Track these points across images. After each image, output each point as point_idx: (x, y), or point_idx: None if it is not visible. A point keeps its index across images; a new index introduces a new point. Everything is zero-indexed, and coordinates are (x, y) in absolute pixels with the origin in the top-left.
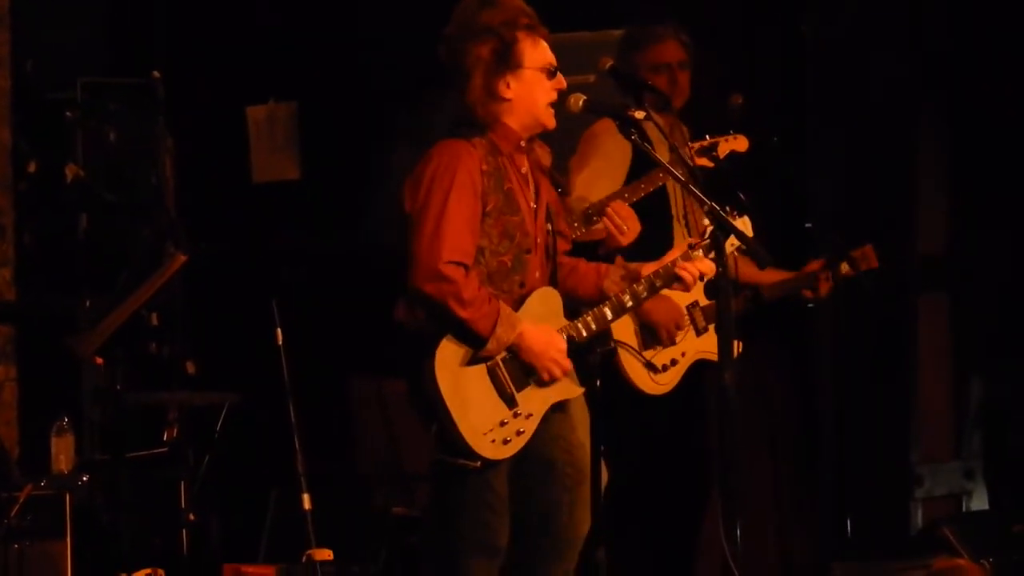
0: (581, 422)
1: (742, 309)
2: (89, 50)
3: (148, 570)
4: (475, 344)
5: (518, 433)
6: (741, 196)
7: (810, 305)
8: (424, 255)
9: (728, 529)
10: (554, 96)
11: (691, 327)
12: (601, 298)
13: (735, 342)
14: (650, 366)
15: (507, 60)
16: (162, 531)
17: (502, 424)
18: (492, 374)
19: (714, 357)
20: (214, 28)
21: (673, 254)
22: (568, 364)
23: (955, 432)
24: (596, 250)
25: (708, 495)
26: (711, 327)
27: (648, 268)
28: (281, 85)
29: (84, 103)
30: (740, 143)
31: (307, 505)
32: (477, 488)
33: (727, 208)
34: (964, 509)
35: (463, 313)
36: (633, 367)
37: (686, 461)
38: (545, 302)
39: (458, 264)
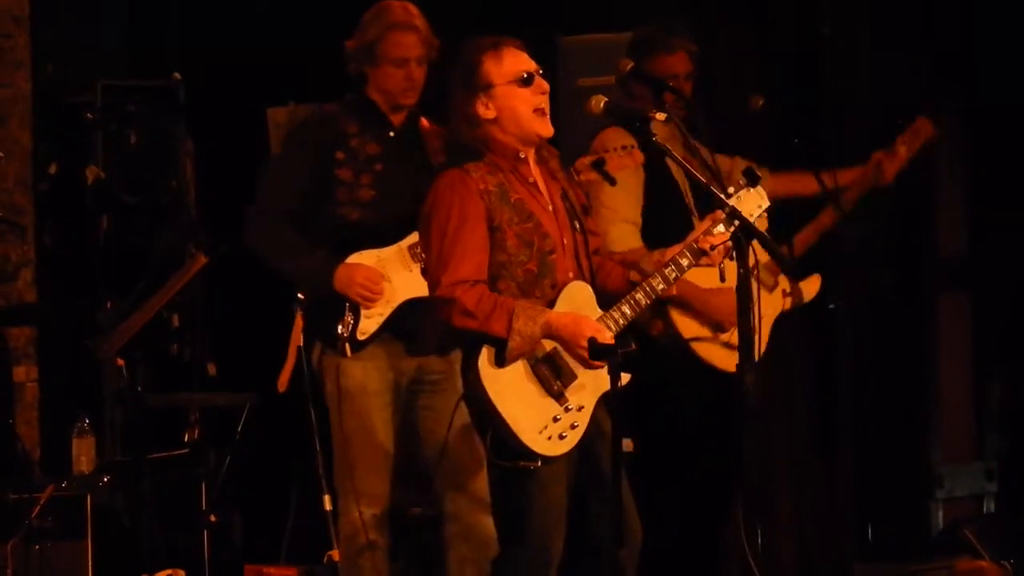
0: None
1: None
2: (109, 52)
3: (169, 571)
4: (500, 346)
5: (572, 427)
6: (752, 166)
7: (831, 306)
8: (432, 285)
9: (748, 531)
10: (537, 101)
11: (762, 289)
12: (630, 288)
13: (814, 278)
14: (729, 345)
15: (474, 83)
16: (183, 532)
17: (555, 420)
18: (536, 372)
19: (794, 305)
20: (234, 30)
21: (696, 232)
22: (609, 336)
23: (976, 433)
24: None
25: (730, 497)
26: (780, 279)
27: (670, 251)
28: (301, 87)
29: (104, 105)
30: (759, 196)
31: (328, 506)
32: (535, 493)
33: (741, 181)
34: (985, 510)
35: (472, 324)
36: (715, 354)
37: (707, 463)
38: (574, 296)
39: (457, 283)
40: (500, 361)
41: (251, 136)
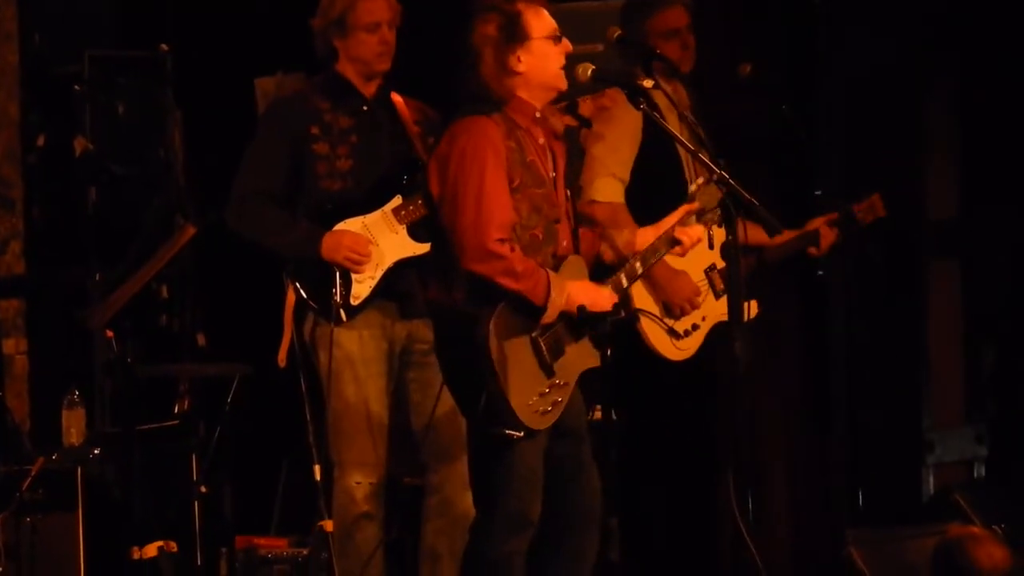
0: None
1: (750, 271)
2: (96, 23)
3: (160, 543)
4: (532, 314)
5: (555, 403)
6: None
7: (820, 272)
8: (470, 236)
9: (740, 498)
10: (563, 60)
11: (710, 291)
12: (599, 261)
13: (752, 303)
14: (672, 332)
15: (514, 34)
16: (174, 504)
17: (542, 395)
18: (535, 345)
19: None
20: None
21: (671, 219)
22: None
23: (966, 398)
24: None
25: (720, 464)
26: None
27: (645, 233)
28: (289, 57)
29: (92, 76)
30: None
31: (318, 476)
32: (515, 463)
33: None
34: (975, 475)
35: (518, 286)
36: (655, 334)
37: (698, 430)
38: (572, 271)
39: (504, 240)
40: (513, 331)
41: (239, 106)
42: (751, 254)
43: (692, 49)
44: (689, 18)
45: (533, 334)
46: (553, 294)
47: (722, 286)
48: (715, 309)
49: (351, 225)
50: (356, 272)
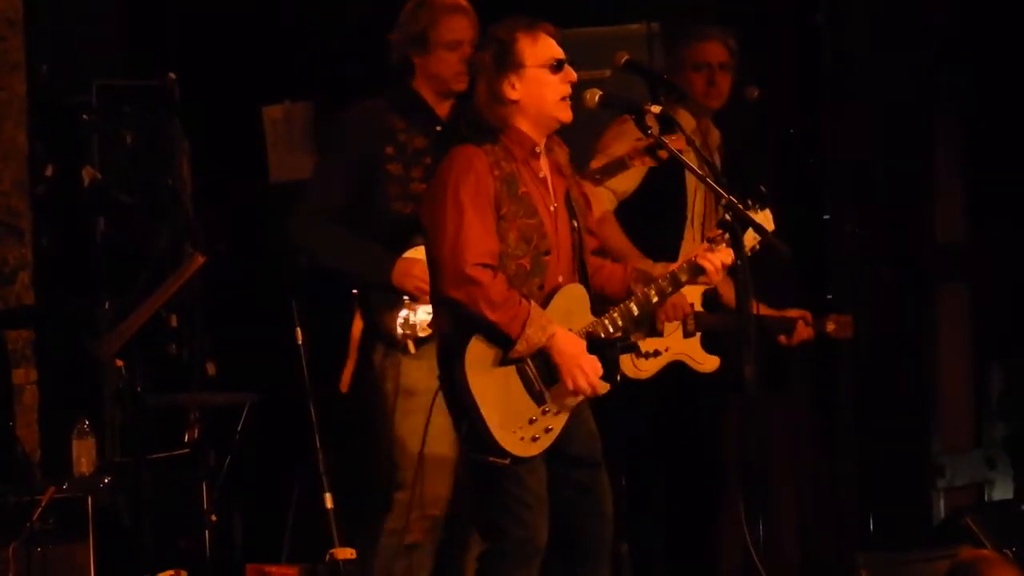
0: (587, 410)
1: (716, 326)
2: (103, 53)
3: (171, 572)
4: (504, 345)
5: (546, 431)
6: (763, 189)
7: (829, 297)
8: (448, 260)
9: (750, 522)
10: (565, 90)
11: (680, 328)
12: (628, 295)
13: (714, 358)
14: (644, 354)
15: (507, 62)
16: (184, 532)
17: (531, 422)
18: (522, 372)
19: (692, 363)
20: (228, 29)
21: (696, 250)
22: (595, 379)
23: (976, 421)
24: None
25: (730, 489)
26: (698, 335)
27: (658, 268)
28: (296, 85)
29: (100, 106)
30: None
31: (329, 504)
32: (511, 486)
33: (749, 202)
34: (986, 499)
35: (493, 316)
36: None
37: (708, 455)
38: (571, 298)
39: (484, 266)
40: (495, 360)
41: (247, 135)
42: (726, 314)
43: (720, 87)
44: (726, 58)
45: (520, 362)
46: (529, 330)
47: (693, 327)
48: (680, 345)
49: (421, 253)
50: (424, 302)
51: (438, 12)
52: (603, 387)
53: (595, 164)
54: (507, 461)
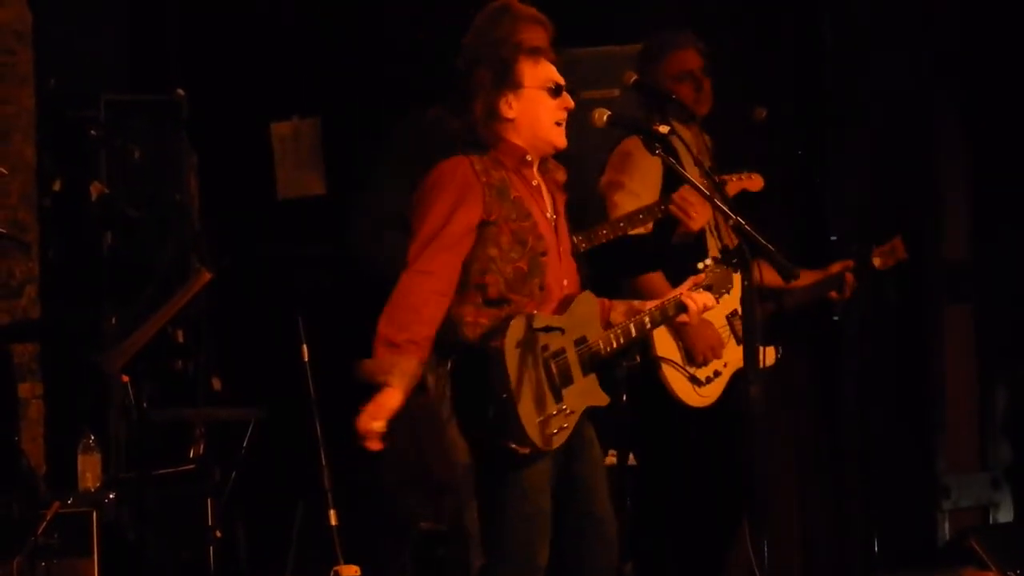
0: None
1: (769, 315)
2: (112, 68)
3: None
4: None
5: (561, 428)
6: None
7: (835, 317)
8: (412, 253)
9: (755, 543)
10: (560, 115)
11: (732, 337)
12: (608, 327)
13: (770, 349)
14: (694, 379)
15: (505, 80)
16: (189, 547)
17: (550, 417)
18: (547, 367)
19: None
20: (237, 44)
21: (683, 287)
22: None
23: (981, 443)
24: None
25: (737, 511)
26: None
27: (648, 305)
28: (305, 101)
29: (108, 120)
30: (754, 182)
31: (333, 521)
32: (521, 504)
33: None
34: (991, 520)
35: (386, 329)
36: (677, 381)
37: (715, 476)
38: (582, 305)
39: (425, 272)
40: (528, 344)
41: (255, 150)
42: (769, 300)
43: (707, 92)
44: (702, 61)
45: (545, 355)
46: (381, 372)
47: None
48: (737, 355)
49: None
50: None
51: (519, 21)
52: None
53: (618, 203)
54: (527, 450)
